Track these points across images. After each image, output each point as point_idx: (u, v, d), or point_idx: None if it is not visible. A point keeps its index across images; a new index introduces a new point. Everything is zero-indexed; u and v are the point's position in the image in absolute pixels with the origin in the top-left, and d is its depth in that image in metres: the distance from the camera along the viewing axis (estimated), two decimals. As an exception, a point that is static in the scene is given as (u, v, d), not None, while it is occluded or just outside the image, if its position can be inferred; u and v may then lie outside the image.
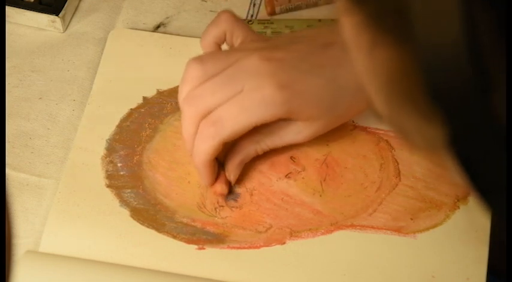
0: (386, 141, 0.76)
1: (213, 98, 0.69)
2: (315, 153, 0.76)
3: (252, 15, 0.85)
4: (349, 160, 0.75)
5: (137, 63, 0.82)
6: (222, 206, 0.73)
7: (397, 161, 0.75)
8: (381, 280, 0.70)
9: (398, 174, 0.74)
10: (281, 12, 0.85)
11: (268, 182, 0.74)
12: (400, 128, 0.43)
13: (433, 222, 0.72)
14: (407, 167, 0.75)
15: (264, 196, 0.74)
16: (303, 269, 0.70)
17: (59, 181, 0.75)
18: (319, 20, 0.83)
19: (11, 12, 0.84)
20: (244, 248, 0.71)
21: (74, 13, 0.86)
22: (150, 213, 0.73)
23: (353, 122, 0.77)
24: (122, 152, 0.76)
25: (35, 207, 0.74)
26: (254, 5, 0.86)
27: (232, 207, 0.73)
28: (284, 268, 0.70)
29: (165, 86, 0.80)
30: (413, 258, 0.70)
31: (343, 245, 0.71)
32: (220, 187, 0.73)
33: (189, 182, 0.75)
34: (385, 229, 0.72)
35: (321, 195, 0.74)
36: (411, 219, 0.72)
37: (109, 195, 0.74)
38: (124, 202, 0.74)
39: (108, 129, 0.78)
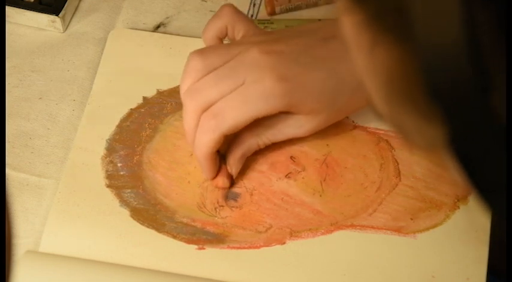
0: (387, 141, 0.76)
1: (214, 91, 0.69)
2: (315, 153, 0.76)
3: (252, 15, 0.85)
4: (349, 160, 0.75)
5: (137, 63, 0.82)
6: (222, 206, 0.73)
7: (397, 161, 0.75)
8: (381, 280, 0.70)
9: (398, 174, 0.74)
10: (281, 12, 0.85)
11: (268, 182, 0.74)
12: (400, 127, 0.43)
13: (433, 222, 0.72)
14: (407, 167, 0.75)
15: (264, 196, 0.74)
16: (303, 269, 0.70)
17: (59, 181, 0.75)
18: (319, 20, 0.83)
19: (11, 12, 0.84)
20: (244, 248, 0.71)
21: (74, 13, 0.86)
22: (150, 213, 0.73)
23: (353, 122, 0.77)
24: (122, 152, 0.76)
25: (35, 207, 0.74)
26: (254, 5, 0.86)
27: (232, 207, 0.73)
28: (284, 268, 0.70)
29: (165, 86, 0.80)
30: (413, 258, 0.70)
31: (343, 245, 0.71)
32: (222, 180, 0.73)
33: (189, 182, 0.75)
34: (385, 229, 0.72)
35: (321, 195, 0.74)
36: (411, 219, 0.72)
37: (109, 195, 0.74)
38: (124, 202, 0.74)
39: (108, 129, 0.78)
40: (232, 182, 0.74)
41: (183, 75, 0.71)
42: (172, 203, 0.74)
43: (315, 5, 0.85)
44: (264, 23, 0.84)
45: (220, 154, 0.73)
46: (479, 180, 0.38)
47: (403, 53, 0.38)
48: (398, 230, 0.72)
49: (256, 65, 0.69)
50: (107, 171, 0.75)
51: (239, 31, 0.74)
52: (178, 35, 0.84)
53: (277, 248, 0.71)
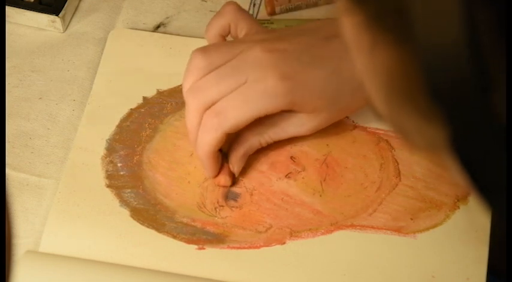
0: (387, 141, 0.76)
1: (217, 89, 0.69)
2: (315, 153, 0.76)
3: (252, 15, 0.85)
4: (349, 160, 0.75)
5: (137, 63, 0.82)
6: (222, 206, 0.73)
7: (397, 161, 0.75)
8: (381, 280, 0.70)
9: (398, 174, 0.74)
10: (281, 12, 0.85)
11: (268, 182, 0.74)
12: (400, 127, 0.43)
13: (433, 222, 0.72)
14: (407, 167, 0.75)
15: (264, 196, 0.74)
16: (303, 269, 0.70)
17: (59, 181, 0.75)
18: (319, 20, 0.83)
19: (11, 12, 0.84)
20: (244, 248, 0.71)
21: (74, 13, 0.86)
22: (150, 213, 0.73)
23: (353, 122, 0.77)
24: (122, 152, 0.76)
25: (35, 207, 0.74)
26: (254, 5, 0.86)
27: (232, 207, 0.73)
28: (284, 268, 0.70)
29: (165, 86, 0.80)
30: (413, 258, 0.70)
31: (343, 245, 0.71)
32: (224, 179, 0.73)
33: (189, 182, 0.75)
34: (385, 229, 0.72)
35: (321, 195, 0.74)
36: (411, 219, 0.72)
37: (109, 195, 0.74)
38: (124, 202, 0.74)
39: (108, 129, 0.78)
40: (234, 180, 0.74)
41: (186, 73, 0.71)
42: (172, 203, 0.74)
43: (315, 5, 0.85)
44: (264, 23, 0.84)
45: (222, 152, 0.73)
46: (480, 180, 0.38)
47: (403, 53, 0.38)
48: (398, 230, 0.72)
49: (259, 64, 0.69)
50: (107, 171, 0.75)
51: (242, 29, 0.74)
52: (178, 35, 0.84)
53: (277, 248, 0.71)
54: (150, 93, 0.80)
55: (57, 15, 0.84)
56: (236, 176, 0.74)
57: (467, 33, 0.34)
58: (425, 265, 0.70)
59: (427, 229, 0.72)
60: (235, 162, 0.73)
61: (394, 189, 0.74)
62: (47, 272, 0.70)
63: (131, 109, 0.79)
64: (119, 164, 0.76)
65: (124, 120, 0.78)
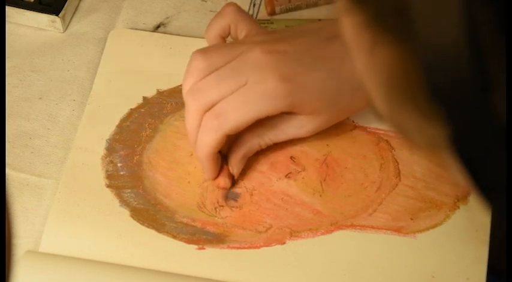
0: (387, 141, 0.76)
1: (217, 91, 0.69)
2: (315, 153, 0.76)
3: (252, 15, 0.85)
4: (349, 160, 0.75)
5: (137, 63, 0.82)
6: (222, 206, 0.73)
7: (397, 161, 0.75)
8: (381, 280, 0.70)
9: (398, 174, 0.74)
10: (281, 12, 0.85)
11: (268, 182, 0.74)
12: (401, 127, 0.43)
13: (433, 222, 0.72)
14: (407, 167, 0.75)
15: (264, 196, 0.74)
16: (303, 269, 0.70)
17: (59, 181, 0.75)
18: (319, 20, 0.83)
19: (11, 12, 0.84)
20: (244, 248, 0.71)
21: (74, 13, 0.86)
22: (150, 213, 0.73)
23: (353, 122, 0.77)
24: (122, 152, 0.76)
25: (35, 207, 0.74)
26: (254, 5, 0.86)
27: (232, 207, 0.73)
28: (284, 268, 0.70)
29: (165, 86, 0.80)
30: (413, 258, 0.70)
31: (343, 245, 0.71)
32: (224, 181, 0.73)
33: (189, 182, 0.75)
34: (385, 229, 0.72)
35: (321, 195, 0.74)
36: (411, 219, 0.72)
37: (109, 195, 0.74)
38: (124, 202, 0.74)
39: (108, 129, 0.78)
40: (234, 182, 0.74)
41: (186, 75, 0.71)
42: (172, 203, 0.74)
43: (315, 5, 0.85)
44: (264, 23, 0.84)
45: (222, 154, 0.73)
46: (480, 179, 0.38)
47: (403, 53, 0.38)
48: (398, 230, 0.72)
49: (259, 65, 0.69)
50: (107, 171, 0.75)
51: (242, 30, 0.73)
52: (178, 35, 0.84)
53: (277, 248, 0.71)
54: (150, 93, 0.80)
55: (57, 15, 0.84)
56: (236, 177, 0.74)
57: (467, 33, 0.34)
58: (425, 265, 0.70)
59: (427, 229, 0.72)
60: (234, 164, 0.73)
61: (394, 189, 0.74)
62: (47, 272, 0.70)
63: (131, 109, 0.79)
64: (119, 164, 0.76)
65: (124, 120, 0.78)
